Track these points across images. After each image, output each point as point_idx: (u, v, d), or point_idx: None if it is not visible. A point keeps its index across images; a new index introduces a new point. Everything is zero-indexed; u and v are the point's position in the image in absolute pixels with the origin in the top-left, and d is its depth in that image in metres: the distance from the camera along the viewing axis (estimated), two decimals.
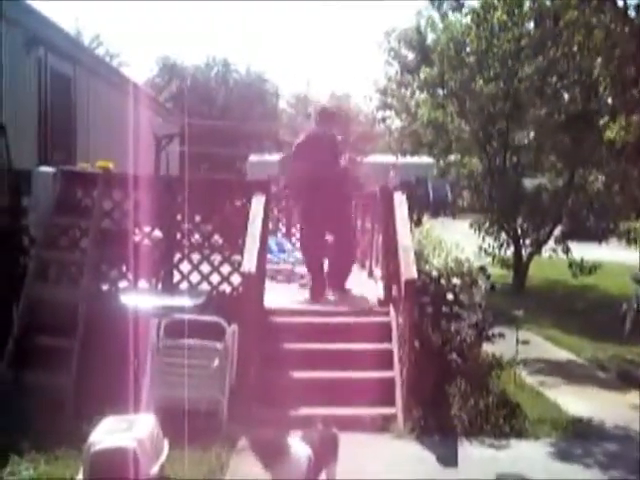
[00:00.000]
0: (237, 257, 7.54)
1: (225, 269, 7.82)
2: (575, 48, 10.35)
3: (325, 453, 4.81)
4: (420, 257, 7.51)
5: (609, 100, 9.39)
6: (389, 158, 26.85)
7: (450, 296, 7.28)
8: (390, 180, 9.05)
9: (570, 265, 14.45)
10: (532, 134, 14.23)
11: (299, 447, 4.60)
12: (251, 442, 5.43)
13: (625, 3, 8.10)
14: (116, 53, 42.83)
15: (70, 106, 10.74)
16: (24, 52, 8.97)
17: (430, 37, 15.96)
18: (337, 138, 8.84)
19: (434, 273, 7.42)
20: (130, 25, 73.59)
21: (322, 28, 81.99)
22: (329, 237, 8.81)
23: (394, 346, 7.17)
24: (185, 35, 77.57)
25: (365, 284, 9.29)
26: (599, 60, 8.38)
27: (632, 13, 8.04)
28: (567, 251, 14.74)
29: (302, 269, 9.47)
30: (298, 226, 8.79)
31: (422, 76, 14.81)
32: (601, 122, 8.31)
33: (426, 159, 17.97)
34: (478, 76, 13.74)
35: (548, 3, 11.87)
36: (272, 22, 78.75)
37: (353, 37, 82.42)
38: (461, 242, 8.75)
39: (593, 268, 14.23)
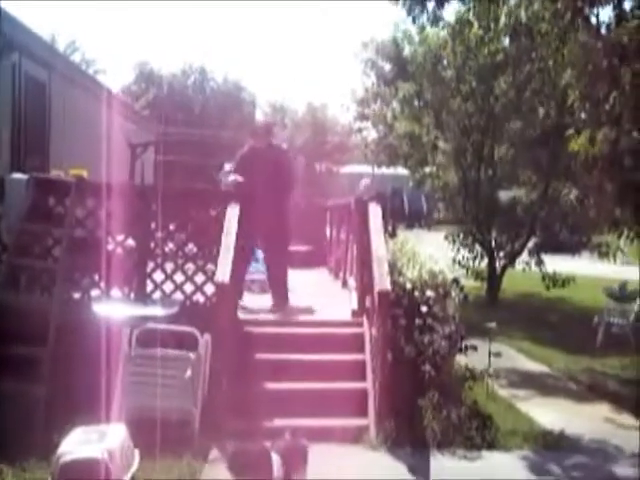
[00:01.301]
0: (211, 266, 7.51)
1: (199, 278, 7.78)
2: (550, 63, 10.47)
3: (294, 463, 4.80)
4: (394, 269, 7.53)
5: (582, 115, 9.49)
6: (365, 169, 27.06)
7: (424, 308, 7.30)
8: (364, 190, 9.06)
9: (543, 278, 14.58)
10: (507, 147, 14.35)
11: (269, 457, 4.59)
12: (222, 452, 5.40)
13: (598, 20, 8.22)
14: (92, 60, 42.73)
15: (44, 112, 10.64)
16: None
17: (407, 49, 16.10)
18: (284, 150, 9.01)
19: (408, 285, 7.44)
20: (106, 32, 73.47)
21: (299, 37, 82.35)
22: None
23: (367, 357, 7.17)
24: (162, 42, 77.63)
25: (339, 295, 9.29)
26: (569, 72, 8.48)
27: (604, 31, 8.14)
28: (540, 263, 14.87)
29: None
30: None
31: (400, 93, 14.92)
32: (567, 133, 8.41)
33: (402, 171, 18.09)
34: (454, 90, 13.87)
35: (524, 19, 11.98)
36: (250, 31, 78.97)
37: (330, 47, 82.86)
38: (435, 254, 8.80)
39: (566, 281, 14.37)
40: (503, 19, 12.42)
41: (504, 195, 15.72)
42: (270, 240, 8.69)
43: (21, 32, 9.83)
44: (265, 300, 8.71)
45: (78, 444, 4.86)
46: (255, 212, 8.00)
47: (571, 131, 8.45)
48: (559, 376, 9.49)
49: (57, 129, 10.97)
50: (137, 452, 5.29)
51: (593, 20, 8.28)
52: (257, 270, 9.69)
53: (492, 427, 6.77)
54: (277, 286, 8.64)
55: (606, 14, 8.30)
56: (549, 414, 7.53)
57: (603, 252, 13.83)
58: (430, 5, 9.24)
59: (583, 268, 16.20)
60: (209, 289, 7.62)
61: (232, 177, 8.50)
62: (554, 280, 14.46)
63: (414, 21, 9.64)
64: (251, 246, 8.75)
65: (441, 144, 14.80)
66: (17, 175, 8.03)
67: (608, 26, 8.16)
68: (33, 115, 10.12)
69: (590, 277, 15.88)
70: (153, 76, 48.75)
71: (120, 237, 7.83)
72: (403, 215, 28.54)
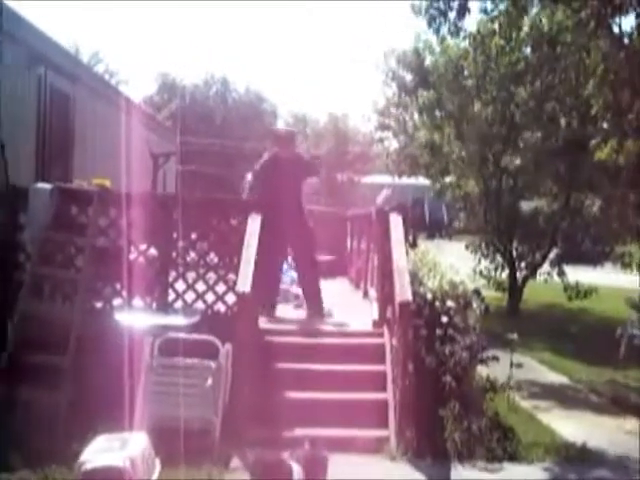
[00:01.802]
0: (232, 276, 7.54)
1: (220, 288, 7.82)
2: (572, 74, 10.45)
3: (314, 473, 4.81)
4: (415, 279, 7.52)
5: (604, 125, 9.46)
6: (386, 178, 27.01)
7: (444, 319, 7.28)
8: (385, 200, 9.04)
9: (565, 289, 14.48)
10: (528, 157, 14.29)
11: (290, 467, 4.60)
12: (243, 461, 5.42)
13: (620, 30, 8.19)
14: (115, 71, 43.15)
15: (68, 123, 10.75)
16: (25, 70, 8.99)
17: (428, 59, 16.12)
18: (302, 158, 8.96)
19: (429, 295, 7.42)
20: (129, 42, 74.13)
21: (321, 48, 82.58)
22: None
23: (388, 368, 7.16)
24: (184, 53, 78.22)
25: (360, 305, 9.29)
26: (592, 82, 8.45)
27: (627, 40, 8.11)
28: (562, 274, 14.78)
29: (298, 289, 9.44)
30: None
31: (420, 100, 14.93)
32: (592, 142, 8.36)
33: (423, 180, 18.09)
34: (475, 99, 13.85)
35: (546, 29, 11.95)
36: (271, 41, 79.35)
37: (352, 57, 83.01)
38: (456, 264, 8.77)
39: (588, 292, 14.26)
40: (525, 29, 12.42)
41: (525, 205, 15.66)
42: (298, 250, 8.72)
43: (47, 45, 9.95)
44: (289, 310, 8.75)
45: (100, 452, 4.90)
46: (280, 221, 8.05)
47: (596, 141, 8.41)
48: (581, 388, 9.42)
49: (81, 139, 11.09)
50: (158, 460, 5.32)
51: (615, 29, 8.26)
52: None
53: (513, 439, 6.72)
54: (311, 296, 8.62)
55: (629, 23, 8.28)
56: (571, 426, 7.47)
57: (626, 263, 13.72)
58: (451, 15, 9.24)
59: (605, 279, 16.07)
60: (230, 299, 7.65)
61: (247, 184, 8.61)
62: (576, 291, 14.37)
63: (436, 32, 9.64)
64: (279, 257, 8.75)
65: (462, 153, 14.78)
66: (41, 185, 8.12)
67: (630, 35, 8.13)
68: (57, 126, 10.23)
69: (612, 288, 15.75)
70: (175, 87, 49.10)
71: (142, 246, 7.89)
72: (424, 225, 28.51)
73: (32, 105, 9.34)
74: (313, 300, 8.58)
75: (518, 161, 14.21)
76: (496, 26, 11.96)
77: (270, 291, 8.44)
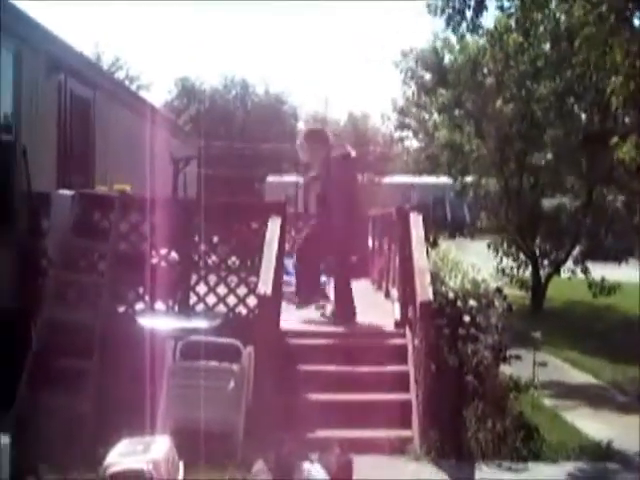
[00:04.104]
0: (253, 279, 7.55)
1: (241, 291, 7.84)
2: (591, 68, 10.35)
3: (341, 477, 4.80)
4: (436, 278, 7.49)
5: (625, 120, 9.36)
6: (407, 178, 26.97)
7: (467, 318, 7.24)
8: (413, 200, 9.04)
9: (590, 286, 14.37)
10: (549, 155, 14.20)
11: (315, 470, 4.59)
12: (267, 464, 5.42)
13: None
14: (136, 76, 43.43)
15: (89, 129, 10.82)
16: (45, 77, 9.07)
17: (447, 58, 16.09)
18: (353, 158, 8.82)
19: (450, 295, 7.38)
20: (149, 48, 74.60)
21: (340, 48, 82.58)
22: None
23: (410, 368, 7.14)
24: (203, 57, 78.53)
25: (382, 305, 9.27)
26: (613, 79, 8.35)
27: None
28: (586, 271, 14.66)
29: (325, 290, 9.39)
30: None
31: (440, 99, 14.91)
32: (612, 141, 8.26)
33: (444, 179, 18.06)
34: (495, 97, 13.79)
35: (564, 24, 11.85)
36: (290, 42, 79.50)
37: (371, 57, 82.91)
38: (478, 263, 8.72)
39: (613, 288, 14.13)
40: (543, 25, 12.32)
41: (547, 203, 15.57)
42: (337, 252, 8.47)
43: (67, 53, 10.02)
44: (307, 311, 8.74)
45: (124, 455, 4.93)
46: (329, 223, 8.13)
47: (616, 139, 8.31)
48: (606, 386, 9.33)
49: (102, 145, 11.16)
50: (181, 463, 5.34)
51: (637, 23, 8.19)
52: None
53: (538, 438, 6.68)
54: (343, 299, 8.43)
55: None
56: (596, 425, 7.41)
57: None
58: (469, 14, 9.22)
59: (630, 275, 15.92)
60: (252, 301, 7.66)
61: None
62: (601, 287, 14.24)
63: (454, 31, 9.62)
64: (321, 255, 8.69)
65: (482, 152, 14.72)
66: (63, 191, 8.20)
67: None
68: (78, 132, 10.29)
69: (637, 284, 15.58)
70: (195, 91, 49.39)
71: (164, 250, 7.93)
72: (445, 224, 28.44)
73: (52, 111, 9.41)
74: (347, 303, 8.50)
75: (539, 158, 14.13)
76: (513, 22, 11.90)
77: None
